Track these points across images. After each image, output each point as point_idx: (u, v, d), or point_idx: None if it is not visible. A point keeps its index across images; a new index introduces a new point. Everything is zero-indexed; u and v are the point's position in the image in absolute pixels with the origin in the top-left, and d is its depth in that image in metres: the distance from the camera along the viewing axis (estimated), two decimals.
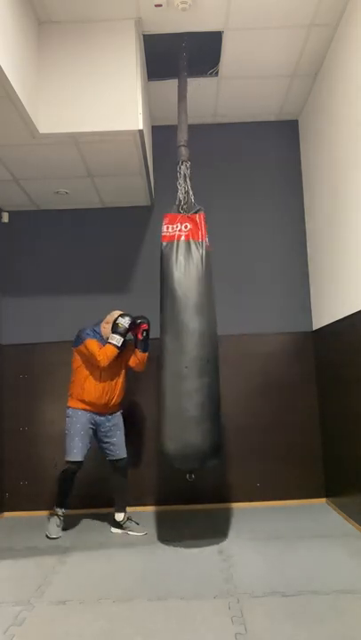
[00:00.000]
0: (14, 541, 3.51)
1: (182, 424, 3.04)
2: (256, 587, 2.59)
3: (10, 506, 4.17)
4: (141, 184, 4.10)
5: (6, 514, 4.15)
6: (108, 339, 3.58)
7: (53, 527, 3.54)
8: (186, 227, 3.29)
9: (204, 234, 3.30)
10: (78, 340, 3.63)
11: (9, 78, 2.65)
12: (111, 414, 3.66)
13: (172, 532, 3.59)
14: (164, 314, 3.19)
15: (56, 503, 3.61)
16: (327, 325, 3.96)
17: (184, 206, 3.37)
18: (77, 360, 3.66)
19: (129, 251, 4.51)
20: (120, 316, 3.61)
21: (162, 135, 4.49)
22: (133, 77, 3.30)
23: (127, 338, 3.60)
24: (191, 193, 3.41)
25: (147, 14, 3.33)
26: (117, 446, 3.63)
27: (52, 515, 3.65)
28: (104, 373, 3.59)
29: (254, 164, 4.58)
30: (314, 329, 4.33)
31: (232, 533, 3.50)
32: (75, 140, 3.38)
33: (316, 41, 3.66)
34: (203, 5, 3.28)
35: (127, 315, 3.62)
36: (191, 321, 3.08)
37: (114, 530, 3.65)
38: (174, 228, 3.29)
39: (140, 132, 3.31)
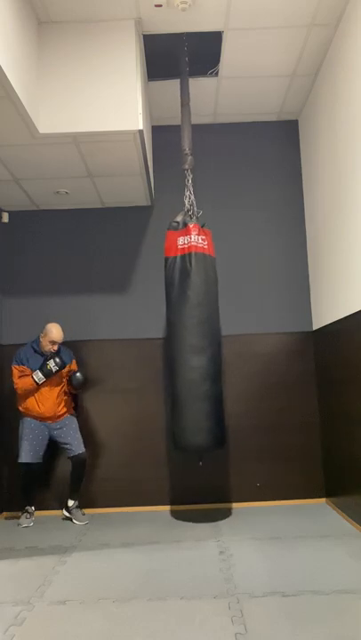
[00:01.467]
0: (14, 541, 3.51)
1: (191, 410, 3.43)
2: (256, 587, 2.59)
3: (10, 506, 4.17)
4: (141, 184, 4.10)
5: (6, 514, 4.15)
6: (43, 357, 3.89)
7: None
8: (203, 239, 3.56)
9: (210, 247, 3.60)
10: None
11: (9, 78, 2.65)
12: (59, 419, 3.96)
13: (172, 531, 3.59)
14: (174, 323, 3.51)
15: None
16: (327, 325, 3.96)
17: (191, 215, 3.55)
18: None
19: (129, 251, 4.51)
20: (52, 358, 3.86)
21: (162, 135, 4.50)
22: (133, 77, 3.30)
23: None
24: (194, 202, 3.62)
25: (147, 14, 3.33)
26: (72, 445, 3.92)
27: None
28: (41, 388, 3.90)
29: (254, 164, 4.58)
30: (314, 329, 4.33)
31: (232, 533, 3.50)
32: (75, 140, 3.38)
33: (316, 41, 3.66)
34: (203, 5, 3.28)
35: (58, 356, 3.87)
36: (192, 357, 3.46)
37: (64, 512, 4.01)
38: (189, 240, 3.52)
39: (140, 131, 3.31)
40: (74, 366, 4.06)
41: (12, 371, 3.92)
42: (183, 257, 3.51)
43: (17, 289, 4.45)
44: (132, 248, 4.51)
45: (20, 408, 3.95)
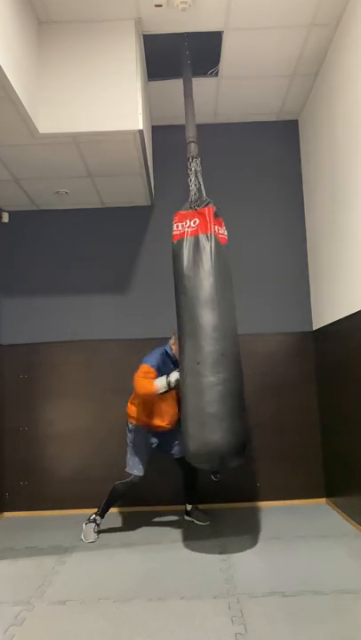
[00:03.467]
0: (14, 541, 3.51)
1: (202, 421, 2.93)
2: (256, 587, 2.59)
3: (10, 506, 4.17)
4: (141, 184, 4.10)
5: (6, 514, 4.15)
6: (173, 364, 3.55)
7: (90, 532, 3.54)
8: (195, 222, 3.23)
9: (212, 226, 3.21)
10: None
11: (9, 78, 2.65)
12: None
13: (172, 531, 3.59)
14: (178, 313, 3.15)
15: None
16: (327, 325, 3.96)
17: (196, 203, 3.31)
18: None
19: (129, 251, 4.51)
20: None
21: (162, 135, 4.50)
22: (133, 77, 3.30)
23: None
24: (203, 189, 3.36)
25: (147, 14, 3.33)
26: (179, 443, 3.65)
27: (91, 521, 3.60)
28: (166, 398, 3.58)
29: (254, 164, 4.58)
30: (314, 329, 4.33)
31: (232, 533, 3.49)
32: (75, 139, 3.38)
33: (316, 41, 3.66)
34: (203, 5, 3.28)
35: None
36: (203, 316, 3.00)
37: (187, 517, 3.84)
38: (183, 226, 3.24)
39: (140, 131, 3.31)
40: None
41: (141, 369, 3.49)
42: (197, 238, 3.19)
43: (17, 289, 4.45)
44: (132, 248, 4.51)
45: (135, 418, 3.61)
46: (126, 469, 3.60)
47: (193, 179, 3.40)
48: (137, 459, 3.59)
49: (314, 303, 4.35)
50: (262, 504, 4.14)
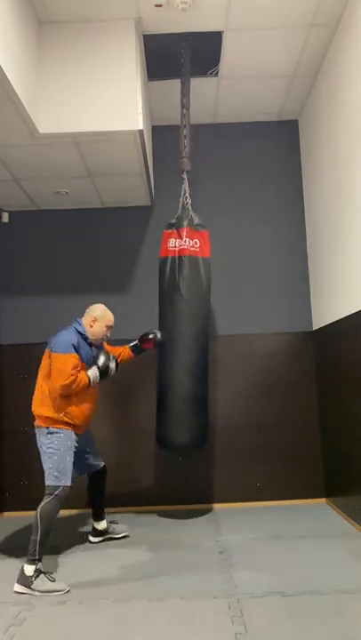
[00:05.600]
0: (14, 541, 3.51)
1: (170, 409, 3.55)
2: (256, 587, 2.59)
3: (10, 506, 4.17)
4: (141, 184, 4.10)
5: (6, 514, 4.15)
6: (95, 345, 3.18)
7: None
8: (196, 243, 3.60)
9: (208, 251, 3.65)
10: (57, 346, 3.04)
11: (9, 78, 2.64)
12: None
13: (172, 531, 3.59)
14: (165, 322, 3.63)
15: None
16: (327, 325, 3.96)
17: (186, 218, 3.63)
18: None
19: (129, 251, 4.51)
20: (111, 357, 3.21)
21: (162, 135, 4.50)
22: (133, 77, 3.30)
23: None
24: (190, 205, 3.69)
25: (147, 14, 3.33)
26: (97, 453, 3.40)
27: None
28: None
29: (254, 165, 4.58)
30: (314, 329, 4.33)
31: (232, 533, 3.49)
32: (75, 140, 3.38)
33: (316, 41, 3.66)
34: (203, 5, 3.28)
35: (114, 358, 3.24)
36: (190, 329, 3.58)
37: (94, 539, 3.43)
38: (182, 243, 3.59)
39: (140, 131, 3.31)
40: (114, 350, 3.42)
41: (63, 360, 2.97)
42: (173, 259, 3.61)
43: (17, 289, 4.45)
44: (132, 248, 4.51)
45: (58, 415, 2.99)
46: (49, 482, 2.89)
47: (184, 194, 3.71)
48: (63, 466, 2.92)
49: (314, 303, 4.35)
50: (262, 504, 4.14)
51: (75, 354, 3.01)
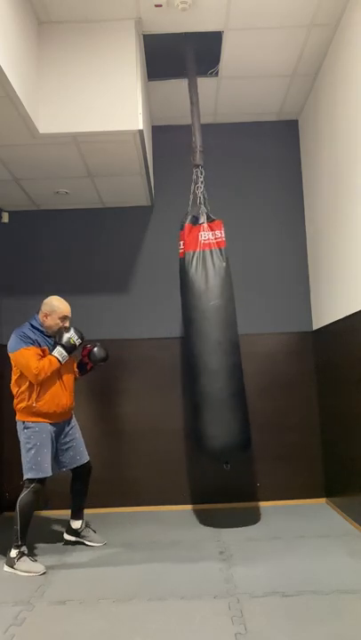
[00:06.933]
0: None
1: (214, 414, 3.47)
2: (256, 587, 2.59)
3: (10, 506, 4.16)
4: (141, 184, 4.10)
5: (6, 514, 4.15)
6: (54, 336, 3.24)
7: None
8: (220, 234, 3.55)
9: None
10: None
11: (9, 78, 2.64)
12: (71, 416, 3.40)
13: (172, 531, 3.59)
14: (190, 323, 3.50)
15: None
16: (327, 325, 3.96)
17: (204, 211, 3.58)
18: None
19: (129, 251, 4.51)
20: (72, 329, 3.28)
21: (162, 135, 4.50)
22: (133, 77, 3.30)
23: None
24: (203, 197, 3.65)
25: (147, 14, 3.33)
26: (82, 448, 3.39)
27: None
28: (63, 375, 3.28)
29: (254, 164, 4.58)
30: (314, 329, 4.33)
31: (232, 533, 3.50)
32: (75, 139, 3.38)
33: (316, 41, 3.66)
34: (203, 5, 3.28)
35: (76, 329, 3.30)
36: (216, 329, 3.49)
37: (69, 537, 3.43)
38: (206, 236, 3.52)
39: (140, 131, 3.31)
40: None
41: (20, 356, 3.11)
42: (203, 252, 3.49)
43: (17, 289, 4.45)
44: (132, 248, 4.51)
45: (35, 406, 3.12)
46: (26, 476, 3.12)
47: (201, 187, 3.64)
48: (40, 459, 3.09)
49: (314, 303, 4.35)
50: (262, 504, 4.14)
51: (30, 346, 3.16)
